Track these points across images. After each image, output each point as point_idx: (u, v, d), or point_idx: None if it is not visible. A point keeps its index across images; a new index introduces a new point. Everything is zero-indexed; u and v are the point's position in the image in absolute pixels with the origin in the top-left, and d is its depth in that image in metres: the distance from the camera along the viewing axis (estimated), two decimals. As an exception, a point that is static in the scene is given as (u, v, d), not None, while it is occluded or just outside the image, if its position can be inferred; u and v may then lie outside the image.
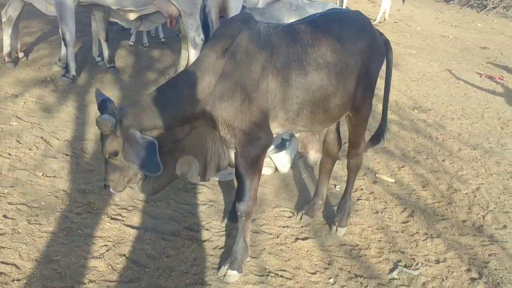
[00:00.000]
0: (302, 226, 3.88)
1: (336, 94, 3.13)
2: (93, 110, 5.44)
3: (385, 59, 3.46)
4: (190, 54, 6.19)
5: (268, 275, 3.29)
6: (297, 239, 3.72)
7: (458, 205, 4.51)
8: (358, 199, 4.36)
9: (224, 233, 3.67)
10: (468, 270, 3.61)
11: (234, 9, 6.34)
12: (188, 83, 2.95)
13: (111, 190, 3.02)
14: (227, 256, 3.30)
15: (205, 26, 6.31)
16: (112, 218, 3.66)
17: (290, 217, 3.99)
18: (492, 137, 6.30)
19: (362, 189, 4.58)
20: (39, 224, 3.49)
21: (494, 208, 4.52)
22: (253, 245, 3.58)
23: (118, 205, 3.84)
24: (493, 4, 18.00)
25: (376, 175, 4.85)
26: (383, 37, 3.42)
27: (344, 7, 11.62)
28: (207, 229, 3.69)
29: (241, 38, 2.95)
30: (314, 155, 3.62)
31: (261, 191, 4.21)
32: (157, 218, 3.75)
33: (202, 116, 2.98)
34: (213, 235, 3.64)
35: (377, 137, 3.72)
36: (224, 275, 3.18)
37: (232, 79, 2.92)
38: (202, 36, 6.10)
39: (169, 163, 3.08)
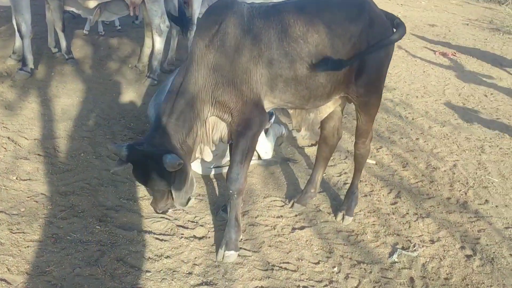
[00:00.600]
0: (296, 215, 3.82)
1: (320, 75, 3.09)
2: (58, 105, 5.14)
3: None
4: (156, 41, 5.94)
5: (272, 269, 3.21)
6: (293, 229, 3.65)
7: (439, 183, 4.58)
8: (345, 183, 4.34)
9: (219, 227, 3.55)
10: (462, 247, 3.67)
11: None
12: (191, 83, 3.01)
13: (159, 212, 3.28)
14: (220, 238, 3.31)
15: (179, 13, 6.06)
16: (100, 220, 3.46)
17: (282, 206, 3.92)
18: (457, 113, 6.44)
19: (346, 172, 4.57)
20: (23, 232, 3.24)
21: (474, 184, 4.63)
22: (251, 238, 3.49)
23: (104, 206, 3.64)
24: (434, -19, 18.43)
25: (358, 158, 4.84)
26: (396, 20, 3.32)
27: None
28: (201, 225, 3.56)
29: (226, 24, 2.96)
30: (303, 132, 3.56)
31: (249, 182, 4.11)
32: (147, 217, 3.58)
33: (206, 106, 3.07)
34: (208, 231, 3.51)
35: None
36: (223, 257, 3.21)
37: (224, 67, 2.97)
38: (167, 23, 5.86)
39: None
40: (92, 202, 3.66)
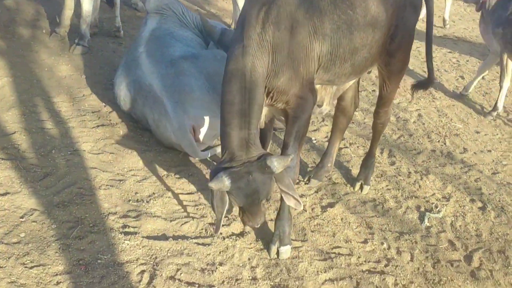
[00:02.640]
0: (316, 192, 3.65)
1: (364, 46, 2.93)
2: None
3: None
4: (83, 2, 5.06)
5: (330, 258, 3.06)
6: (323, 207, 3.49)
7: (417, 135, 4.70)
8: (341, 149, 4.23)
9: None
10: (472, 200, 3.84)
11: None
12: (254, 71, 2.57)
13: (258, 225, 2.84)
14: (267, 235, 3.11)
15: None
16: (124, 233, 2.95)
17: (298, 183, 3.70)
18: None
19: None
20: (41, 265, 2.64)
21: (445, 132, 4.83)
22: (289, 225, 3.26)
23: (115, 213, 3.11)
24: None
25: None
26: None
27: None
28: (234, 220, 3.23)
29: (278, 4, 2.60)
30: (326, 106, 3.36)
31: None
32: (170, 219, 3.15)
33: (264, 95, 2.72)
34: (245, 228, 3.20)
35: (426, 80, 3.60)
36: (278, 253, 2.99)
37: (282, 49, 2.62)
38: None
39: None
40: (99, 211, 3.10)
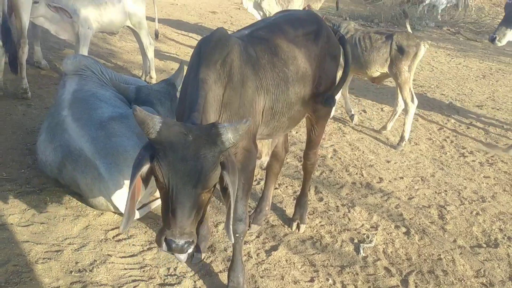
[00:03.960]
0: (257, 237, 3.74)
1: (298, 100, 3.14)
2: None
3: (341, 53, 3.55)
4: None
5: (283, 301, 3.14)
6: (267, 251, 3.58)
7: (336, 170, 5.00)
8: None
9: (206, 275, 3.26)
10: (397, 226, 4.14)
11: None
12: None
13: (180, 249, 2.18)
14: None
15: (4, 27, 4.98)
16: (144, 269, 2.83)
17: (237, 230, 3.77)
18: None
19: (262, 179, 4.60)
20: None
21: (361, 164, 5.19)
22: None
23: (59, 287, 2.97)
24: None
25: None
26: (338, 34, 3.45)
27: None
28: (183, 276, 3.21)
29: (231, 58, 2.68)
30: (264, 158, 3.51)
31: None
32: (119, 286, 3.06)
33: None
34: (195, 282, 3.20)
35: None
36: None
37: (234, 102, 2.69)
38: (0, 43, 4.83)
39: None
40: (41, 287, 2.94)
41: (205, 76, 2.52)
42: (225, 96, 2.61)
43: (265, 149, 3.47)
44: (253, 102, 2.79)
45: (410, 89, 5.54)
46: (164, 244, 2.15)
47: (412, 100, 5.57)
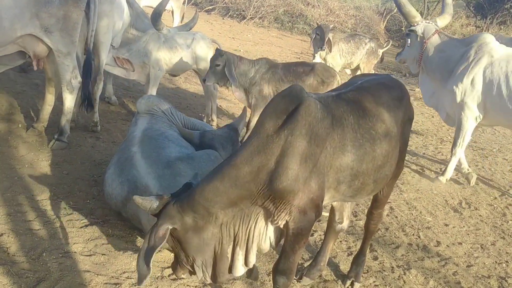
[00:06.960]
0: (308, 290, 3.71)
1: (386, 163, 3.10)
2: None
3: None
4: (66, 99, 5.15)
5: None
6: (319, 306, 3.54)
7: (392, 228, 4.92)
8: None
9: None
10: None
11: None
12: (247, 162, 2.67)
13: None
14: None
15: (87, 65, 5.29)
16: None
17: (290, 281, 3.75)
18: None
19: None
20: None
21: (418, 226, 5.08)
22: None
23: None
24: (250, 15, 19.42)
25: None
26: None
27: (176, 23, 11.11)
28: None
29: (299, 112, 2.72)
30: (346, 221, 3.56)
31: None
32: None
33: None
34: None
35: None
36: None
37: (292, 157, 2.69)
38: (79, 78, 5.13)
39: None
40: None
41: (263, 127, 2.70)
42: (283, 149, 2.66)
43: (346, 212, 3.50)
44: (318, 162, 2.74)
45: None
46: None
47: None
